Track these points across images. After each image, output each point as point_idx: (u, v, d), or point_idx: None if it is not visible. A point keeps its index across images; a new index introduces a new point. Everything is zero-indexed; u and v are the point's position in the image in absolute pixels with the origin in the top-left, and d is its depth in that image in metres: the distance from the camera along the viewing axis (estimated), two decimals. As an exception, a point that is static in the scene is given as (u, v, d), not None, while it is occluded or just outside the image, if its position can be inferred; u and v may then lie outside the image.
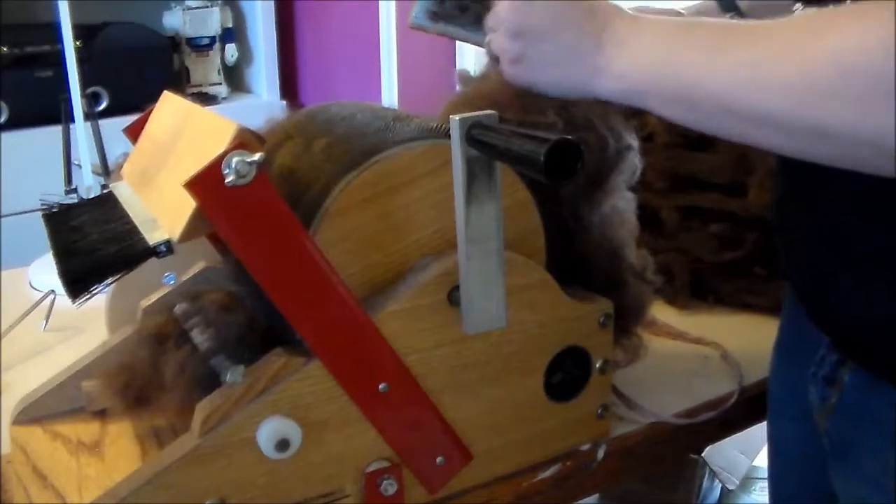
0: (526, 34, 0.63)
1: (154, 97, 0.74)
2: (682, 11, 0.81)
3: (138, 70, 2.11)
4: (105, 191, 0.73)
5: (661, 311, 0.96)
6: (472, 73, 0.79)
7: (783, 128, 0.50)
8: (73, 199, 1.18)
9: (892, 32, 0.44)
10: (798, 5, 0.63)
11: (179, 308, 0.68)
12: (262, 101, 2.42)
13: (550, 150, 0.48)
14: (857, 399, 0.62)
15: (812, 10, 0.50)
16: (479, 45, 0.75)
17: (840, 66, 0.46)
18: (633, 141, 0.71)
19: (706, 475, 1.42)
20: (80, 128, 1.17)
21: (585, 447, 0.72)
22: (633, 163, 0.71)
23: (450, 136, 0.56)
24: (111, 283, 0.58)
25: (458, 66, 1.86)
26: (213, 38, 2.35)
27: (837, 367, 0.63)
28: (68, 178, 1.22)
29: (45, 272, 1.09)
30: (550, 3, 0.62)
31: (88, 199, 0.73)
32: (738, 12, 0.80)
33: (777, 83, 0.49)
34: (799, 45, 0.48)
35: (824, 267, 0.63)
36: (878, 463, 0.60)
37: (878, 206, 0.56)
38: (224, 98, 2.40)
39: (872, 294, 0.58)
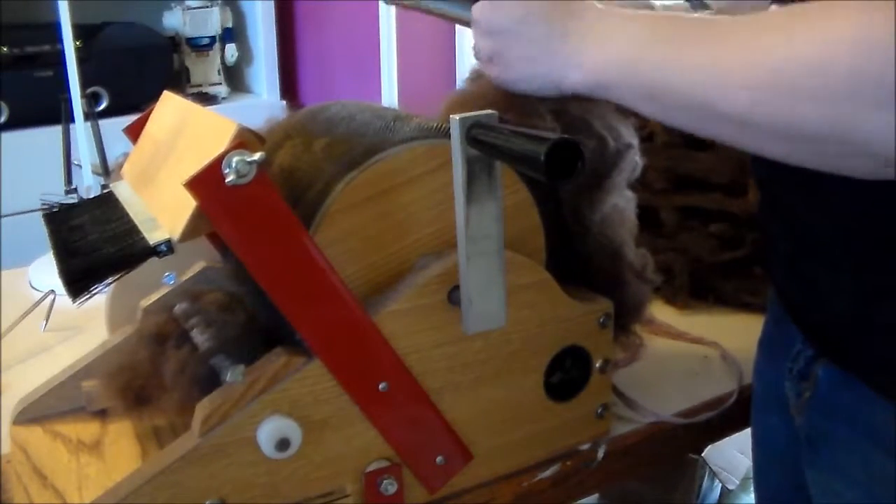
0: (497, 32, 0.64)
1: (154, 97, 0.74)
2: (654, 5, 0.81)
3: (138, 70, 2.11)
4: (105, 191, 0.73)
5: (661, 311, 0.96)
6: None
7: (749, 127, 0.49)
8: (73, 199, 1.18)
9: (858, 30, 0.43)
10: (773, 6, 0.62)
11: (179, 308, 0.68)
12: (262, 101, 2.42)
13: (550, 149, 0.48)
14: (829, 394, 0.63)
15: (781, 9, 0.49)
16: (457, 21, 0.73)
17: (804, 65, 0.45)
18: (633, 139, 0.71)
19: (706, 475, 1.42)
20: (80, 128, 1.17)
21: (585, 447, 0.72)
22: (634, 160, 0.71)
23: (450, 135, 0.56)
24: (111, 283, 0.58)
25: (458, 65, 1.86)
26: (213, 38, 2.35)
27: (812, 362, 0.64)
28: (68, 178, 1.22)
29: (45, 272, 1.09)
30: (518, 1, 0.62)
31: (88, 199, 0.73)
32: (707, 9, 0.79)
33: (742, 83, 0.48)
34: (764, 44, 0.47)
35: (800, 266, 0.64)
36: (850, 457, 0.61)
37: (850, 210, 0.57)
38: (224, 98, 2.40)
39: (844, 293, 0.59)
